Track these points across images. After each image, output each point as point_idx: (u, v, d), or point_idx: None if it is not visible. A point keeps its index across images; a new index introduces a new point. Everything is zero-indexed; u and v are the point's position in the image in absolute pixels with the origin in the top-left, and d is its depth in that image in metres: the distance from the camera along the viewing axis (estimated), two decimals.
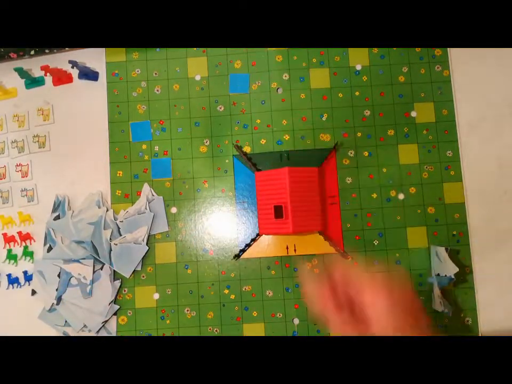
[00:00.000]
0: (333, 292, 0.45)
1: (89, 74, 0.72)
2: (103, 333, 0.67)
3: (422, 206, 0.69)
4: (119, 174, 0.70)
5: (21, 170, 0.71)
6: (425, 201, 0.69)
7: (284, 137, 0.70)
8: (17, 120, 0.72)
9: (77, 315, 0.67)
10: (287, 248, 0.68)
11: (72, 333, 0.67)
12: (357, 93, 0.71)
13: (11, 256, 0.70)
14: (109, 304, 0.67)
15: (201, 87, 0.72)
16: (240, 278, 0.68)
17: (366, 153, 0.70)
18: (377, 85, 0.71)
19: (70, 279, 0.67)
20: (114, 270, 0.68)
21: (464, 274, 0.67)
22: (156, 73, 0.72)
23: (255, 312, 0.67)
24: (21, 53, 0.72)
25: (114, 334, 0.67)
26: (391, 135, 0.70)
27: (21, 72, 0.70)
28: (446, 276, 0.63)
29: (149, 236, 0.69)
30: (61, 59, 0.72)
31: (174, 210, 0.70)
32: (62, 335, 0.67)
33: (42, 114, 0.72)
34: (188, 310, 0.68)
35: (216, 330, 0.67)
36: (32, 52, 0.72)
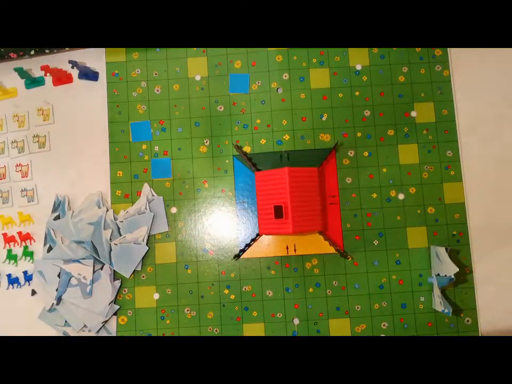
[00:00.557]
0: None
1: (89, 74, 0.72)
2: (103, 333, 0.67)
3: (422, 206, 0.69)
4: (119, 174, 0.70)
5: (21, 171, 0.71)
6: (425, 201, 0.69)
7: (284, 137, 0.70)
8: (17, 120, 0.72)
9: (77, 315, 0.67)
10: (287, 248, 0.68)
11: (72, 333, 0.67)
12: (357, 93, 0.71)
13: (11, 256, 0.70)
14: (109, 304, 0.67)
15: (201, 87, 0.72)
16: (240, 278, 0.68)
17: (366, 153, 0.70)
18: (377, 85, 0.71)
19: (70, 279, 0.67)
20: (114, 270, 0.68)
21: (464, 274, 0.67)
22: (155, 73, 0.72)
23: (255, 312, 0.67)
24: (21, 53, 0.72)
25: (114, 334, 0.67)
26: (391, 135, 0.70)
27: (21, 72, 0.70)
28: (446, 275, 0.63)
29: (149, 236, 0.69)
30: (61, 59, 0.72)
31: (174, 210, 0.70)
32: (62, 335, 0.68)
33: (42, 114, 0.72)
34: (188, 310, 0.68)
35: (216, 330, 0.67)
36: (32, 52, 0.72)
